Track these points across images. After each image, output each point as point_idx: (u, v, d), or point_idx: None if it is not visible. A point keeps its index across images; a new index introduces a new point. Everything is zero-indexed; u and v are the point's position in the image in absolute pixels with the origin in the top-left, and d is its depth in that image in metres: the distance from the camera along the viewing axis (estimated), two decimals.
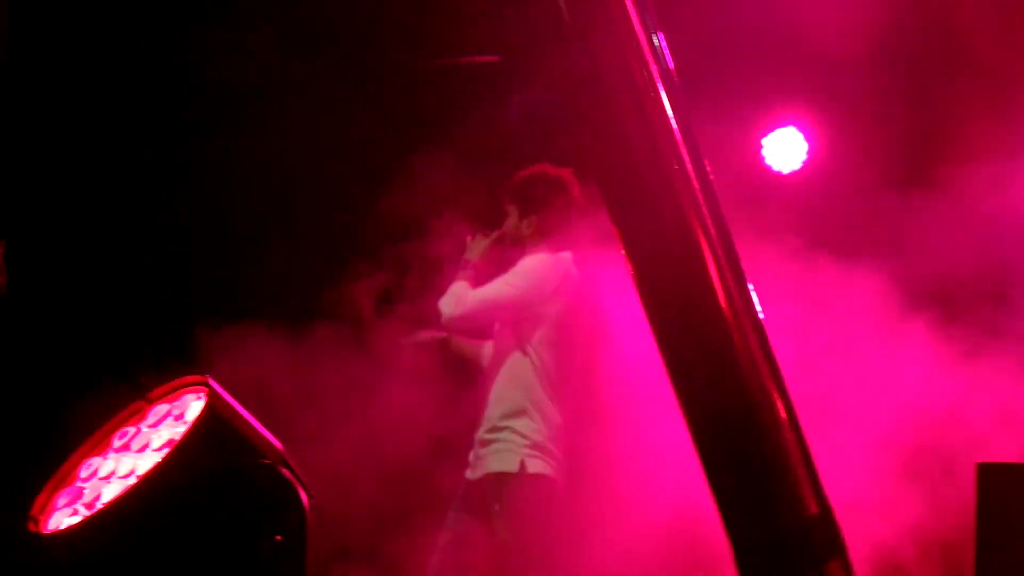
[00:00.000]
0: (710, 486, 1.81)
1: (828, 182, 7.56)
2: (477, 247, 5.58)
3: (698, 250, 1.78)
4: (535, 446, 5.35)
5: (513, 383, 5.42)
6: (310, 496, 3.76)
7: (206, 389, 3.82)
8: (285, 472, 3.73)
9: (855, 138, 7.48)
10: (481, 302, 5.35)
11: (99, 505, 3.70)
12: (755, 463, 1.75)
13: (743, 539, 1.80)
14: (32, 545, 3.80)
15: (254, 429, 3.79)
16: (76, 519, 3.67)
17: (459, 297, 5.33)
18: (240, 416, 3.83)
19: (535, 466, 5.32)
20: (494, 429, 5.43)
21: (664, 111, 1.81)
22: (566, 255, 5.56)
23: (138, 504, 3.64)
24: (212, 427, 3.74)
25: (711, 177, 1.84)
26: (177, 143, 7.42)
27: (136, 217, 7.35)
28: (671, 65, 1.79)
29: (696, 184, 1.81)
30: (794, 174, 7.69)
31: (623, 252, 1.84)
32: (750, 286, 1.84)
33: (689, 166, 1.83)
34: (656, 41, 1.78)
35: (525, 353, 5.44)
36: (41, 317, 6.93)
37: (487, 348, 5.59)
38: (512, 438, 5.34)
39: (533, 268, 5.48)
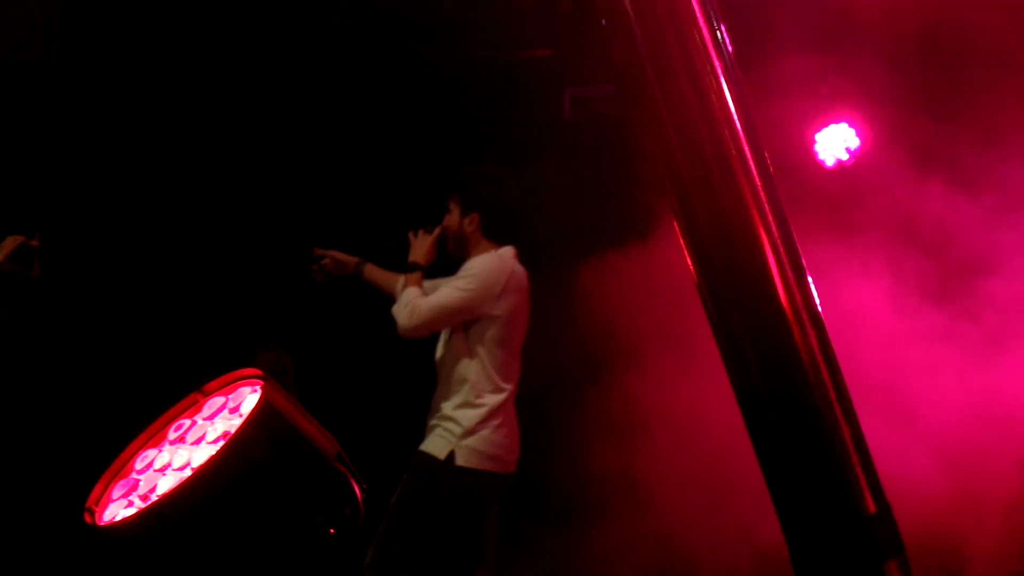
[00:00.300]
0: (768, 485, 1.80)
1: (875, 175, 7.52)
2: (420, 247, 5.69)
3: (758, 242, 1.77)
4: (468, 435, 5.46)
5: (463, 381, 5.53)
6: (363, 490, 3.76)
7: (261, 382, 3.83)
8: (339, 466, 3.73)
9: (901, 132, 7.43)
10: (434, 311, 5.49)
11: (154, 497, 3.72)
12: (814, 462, 1.74)
13: (801, 539, 1.78)
14: (87, 537, 3.83)
15: (309, 423, 3.79)
16: (131, 511, 3.69)
17: (412, 308, 5.45)
18: (295, 410, 3.84)
19: (464, 459, 5.42)
20: (442, 417, 5.55)
21: (726, 101, 1.80)
22: (508, 251, 5.67)
23: (192, 496, 3.65)
24: (267, 420, 3.75)
25: (770, 167, 1.83)
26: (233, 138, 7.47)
27: (191, 212, 7.40)
28: (731, 56, 1.78)
29: (756, 174, 1.79)
30: (841, 166, 7.66)
31: (683, 242, 1.83)
32: (808, 278, 1.82)
33: (749, 156, 1.82)
34: (719, 33, 1.77)
35: (475, 353, 5.57)
36: (99, 310, 7.00)
37: (411, 293, 5.61)
38: (451, 427, 5.48)
39: (481, 270, 5.61)
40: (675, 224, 1.80)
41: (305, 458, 3.67)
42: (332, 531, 3.47)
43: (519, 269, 5.64)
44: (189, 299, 7.27)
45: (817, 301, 1.84)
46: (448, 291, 5.47)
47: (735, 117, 1.81)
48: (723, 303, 1.80)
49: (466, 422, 5.45)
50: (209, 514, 3.64)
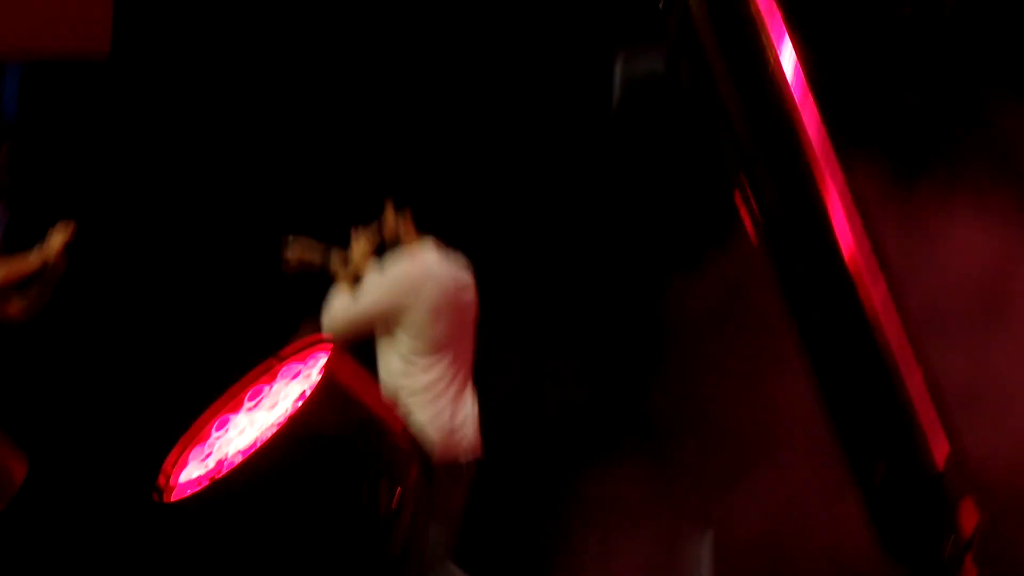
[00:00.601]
0: (838, 433, 1.85)
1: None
2: (359, 249, 5.79)
3: (821, 192, 1.82)
4: None
5: (385, 378, 5.64)
6: (422, 463, 3.80)
7: (331, 350, 3.90)
8: (401, 437, 3.76)
9: None
10: (348, 319, 5.53)
11: (229, 461, 3.81)
12: (888, 409, 1.78)
13: (875, 485, 1.82)
14: (163, 501, 3.92)
15: (374, 394, 3.84)
16: (206, 472, 3.79)
17: (331, 316, 5.55)
18: (361, 380, 3.89)
19: None
20: None
21: (782, 61, 1.84)
22: (429, 249, 5.74)
23: (261, 463, 3.73)
24: (333, 389, 3.82)
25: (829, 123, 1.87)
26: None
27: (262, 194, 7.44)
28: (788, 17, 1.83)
29: (815, 128, 1.84)
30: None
31: (747, 204, 1.88)
32: (875, 231, 1.86)
33: (808, 109, 1.87)
34: None
35: (396, 350, 5.66)
36: (176, 281, 7.11)
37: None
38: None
39: (392, 272, 5.68)
40: (736, 185, 1.85)
41: (367, 428, 3.71)
42: (373, 502, 3.47)
43: (444, 263, 5.77)
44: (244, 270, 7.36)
45: (884, 250, 1.88)
46: (360, 298, 5.60)
47: (792, 75, 1.86)
48: (788, 256, 1.84)
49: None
50: (275, 482, 3.71)
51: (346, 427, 3.95)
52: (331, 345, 3.85)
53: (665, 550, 6.64)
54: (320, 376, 4.05)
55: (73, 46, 6.58)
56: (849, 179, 1.90)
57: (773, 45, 1.83)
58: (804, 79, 1.87)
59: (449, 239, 6.19)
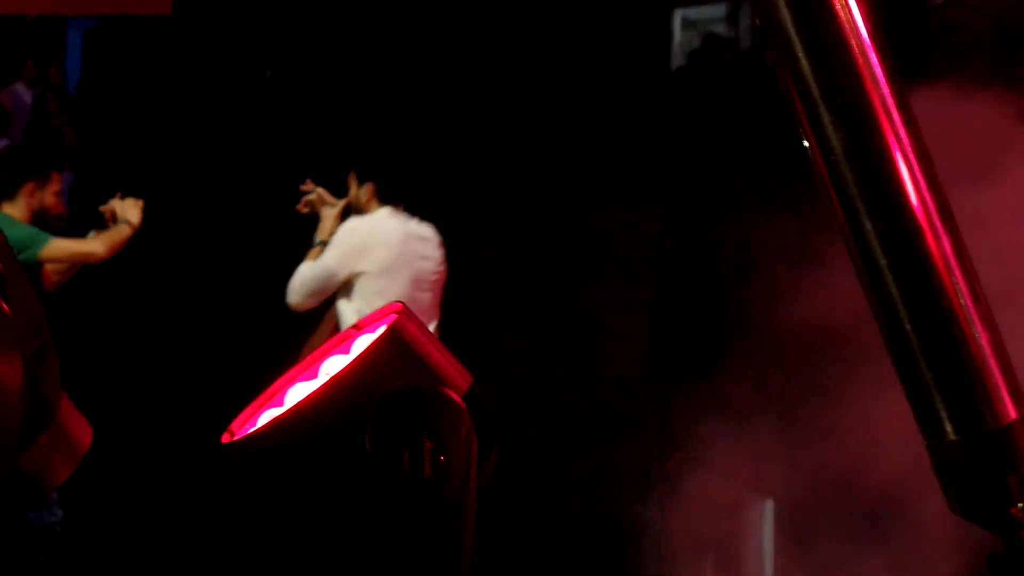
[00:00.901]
0: (907, 392, 1.80)
1: None
2: (325, 222, 6.02)
3: (889, 149, 1.76)
4: None
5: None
6: (495, 431, 3.71)
7: (400, 310, 3.88)
8: (466, 401, 3.71)
9: None
10: (305, 286, 5.96)
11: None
12: (953, 367, 1.73)
13: (942, 445, 1.78)
14: (230, 441, 3.92)
15: (443, 356, 3.79)
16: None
17: (292, 286, 5.81)
18: (429, 342, 3.85)
19: None
20: None
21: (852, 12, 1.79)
22: (383, 211, 5.89)
23: (323, 403, 3.73)
24: (395, 348, 3.80)
25: (899, 76, 1.80)
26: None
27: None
28: None
29: (885, 81, 1.78)
30: None
31: (813, 155, 1.82)
32: (939, 182, 1.80)
33: (878, 63, 1.80)
34: None
35: (357, 311, 5.73)
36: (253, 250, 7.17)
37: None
38: None
39: (341, 234, 5.94)
40: (805, 141, 1.79)
41: (427, 389, 3.66)
42: (419, 468, 3.43)
43: (395, 225, 5.87)
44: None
45: (947, 201, 1.82)
46: (315, 263, 5.87)
47: (861, 25, 1.80)
48: (854, 212, 1.79)
49: None
50: (325, 426, 3.69)
51: (406, 375, 3.90)
52: (400, 306, 3.86)
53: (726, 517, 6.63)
54: (382, 331, 4.05)
55: (136, 4, 6.65)
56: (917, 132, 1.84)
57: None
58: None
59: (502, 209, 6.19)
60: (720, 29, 8.12)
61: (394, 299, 5.85)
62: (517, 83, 7.33)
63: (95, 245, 5.63)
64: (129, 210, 5.69)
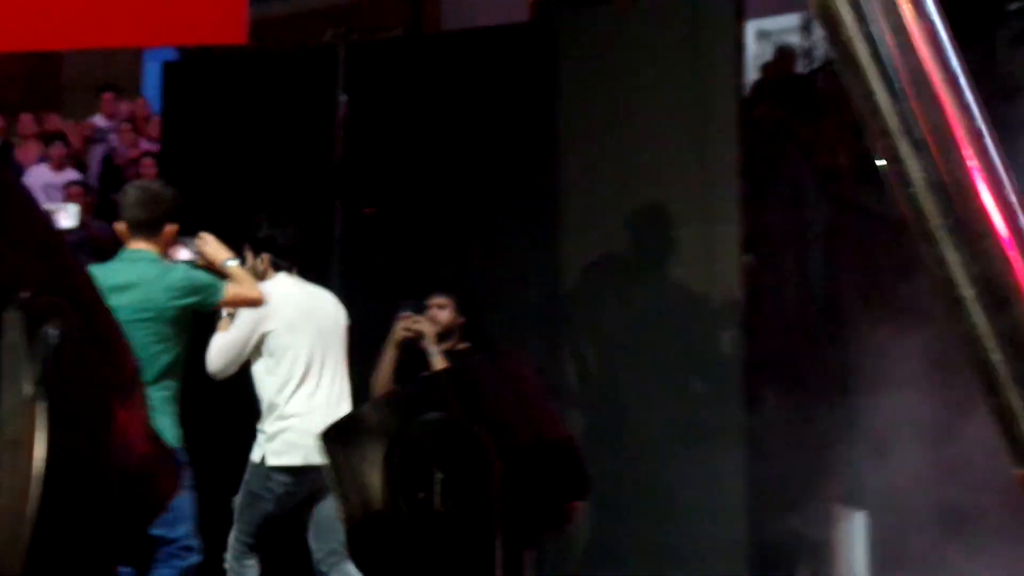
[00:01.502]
0: (994, 420, 1.78)
1: None
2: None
3: (968, 172, 1.75)
4: (271, 439, 6.38)
5: (262, 393, 6.41)
6: (583, 481, 3.59)
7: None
8: (562, 450, 3.63)
9: None
10: (222, 354, 6.27)
11: None
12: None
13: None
14: None
15: (539, 398, 3.75)
16: None
17: (210, 356, 6.26)
18: (532, 385, 3.82)
19: (275, 460, 6.32)
20: (259, 431, 6.50)
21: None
22: (281, 279, 6.40)
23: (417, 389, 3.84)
24: (503, 362, 3.83)
25: (976, 92, 1.79)
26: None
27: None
28: None
29: (963, 101, 1.77)
30: None
31: (894, 183, 1.81)
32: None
33: (954, 81, 1.79)
34: None
35: (267, 369, 6.37)
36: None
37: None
38: (260, 437, 6.42)
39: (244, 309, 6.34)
40: (886, 170, 1.78)
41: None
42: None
43: (292, 286, 6.43)
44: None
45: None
46: (224, 336, 6.30)
47: (949, 53, 1.79)
48: (935, 243, 1.78)
49: (269, 428, 6.34)
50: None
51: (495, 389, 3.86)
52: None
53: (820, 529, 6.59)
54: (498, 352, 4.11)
55: (213, 35, 6.76)
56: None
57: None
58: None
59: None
60: (793, 39, 8.06)
61: (302, 353, 6.17)
62: (595, 101, 7.31)
63: (256, 291, 5.98)
64: (220, 252, 5.91)
